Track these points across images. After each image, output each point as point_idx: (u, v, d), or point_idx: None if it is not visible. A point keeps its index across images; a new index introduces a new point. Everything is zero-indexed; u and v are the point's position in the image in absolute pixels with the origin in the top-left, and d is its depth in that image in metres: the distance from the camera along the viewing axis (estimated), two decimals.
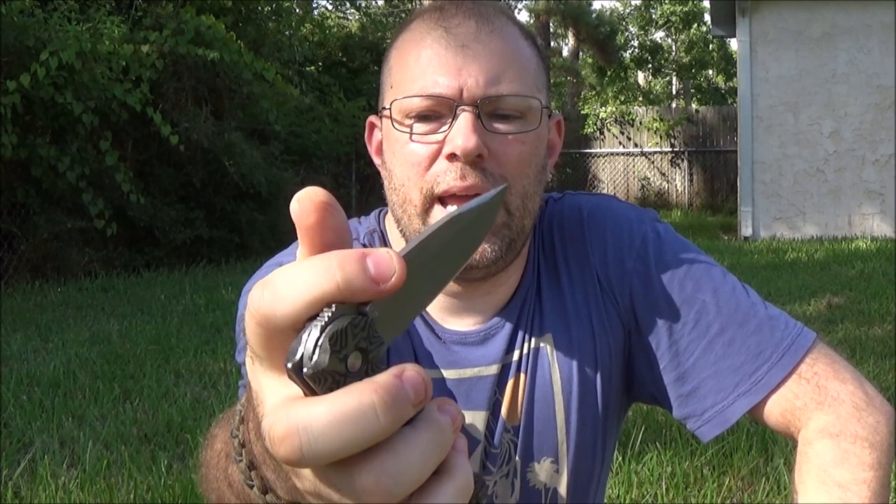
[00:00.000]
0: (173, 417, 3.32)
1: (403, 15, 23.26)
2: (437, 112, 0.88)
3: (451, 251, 0.42)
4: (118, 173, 7.13)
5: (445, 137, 0.87)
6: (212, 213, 8.61)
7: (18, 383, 3.83)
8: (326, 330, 0.36)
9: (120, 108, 7.14)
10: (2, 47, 6.41)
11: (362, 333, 0.37)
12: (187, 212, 8.36)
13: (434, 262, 0.41)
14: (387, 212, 1.03)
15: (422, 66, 0.89)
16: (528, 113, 0.90)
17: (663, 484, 2.66)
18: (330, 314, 0.37)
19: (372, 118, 1.00)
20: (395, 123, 0.90)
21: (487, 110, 0.88)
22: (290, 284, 0.37)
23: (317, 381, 0.37)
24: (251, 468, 0.47)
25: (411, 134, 0.89)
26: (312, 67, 12.64)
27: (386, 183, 0.96)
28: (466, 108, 0.87)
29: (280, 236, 9.04)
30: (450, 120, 0.88)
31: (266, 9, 10.51)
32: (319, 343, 0.36)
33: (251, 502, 0.49)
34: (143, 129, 7.72)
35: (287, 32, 11.38)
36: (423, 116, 0.89)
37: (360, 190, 12.02)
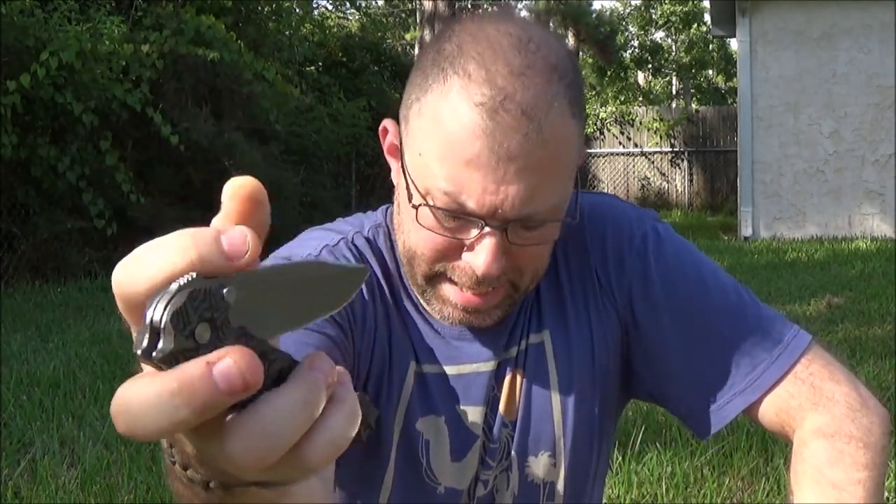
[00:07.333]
0: None
1: (403, 15, 23.26)
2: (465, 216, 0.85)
3: (309, 292, 0.43)
4: (118, 173, 7.13)
5: (469, 244, 0.85)
6: (212, 213, 8.28)
7: (18, 383, 3.83)
8: (166, 310, 0.36)
9: (120, 108, 7.13)
10: (2, 47, 6.41)
11: (204, 304, 0.37)
12: (187, 212, 8.35)
13: (293, 290, 0.42)
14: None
15: (457, 161, 0.80)
16: (560, 211, 0.87)
17: (663, 484, 2.66)
18: (171, 291, 0.37)
19: (387, 123, 0.94)
20: (418, 193, 0.85)
21: (517, 223, 0.84)
22: (148, 260, 0.38)
23: (168, 363, 0.37)
24: (171, 446, 0.49)
25: (434, 215, 0.84)
26: (312, 67, 12.64)
27: (395, 207, 0.94)
28: (496, 229, 0.82)
29: (280, 236, 8.96)
30: (476, 229, 0.83)
31: (266, 9, 10.51)
32: (163, 326, 0.37)
33: (187, 484, 0.50)
34: (143, 129, 7.72)
35: (287, 32, 11.38)
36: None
37: (360, 190, 12.01)
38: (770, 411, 0.94)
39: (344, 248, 0.95)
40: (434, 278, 0.89)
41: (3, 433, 3.17)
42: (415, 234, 0.87)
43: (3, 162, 6.55)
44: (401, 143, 0.89)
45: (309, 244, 0.96)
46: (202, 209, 8.62)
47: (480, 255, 0.83)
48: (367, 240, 0.98)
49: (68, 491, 2.66)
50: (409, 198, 0.86)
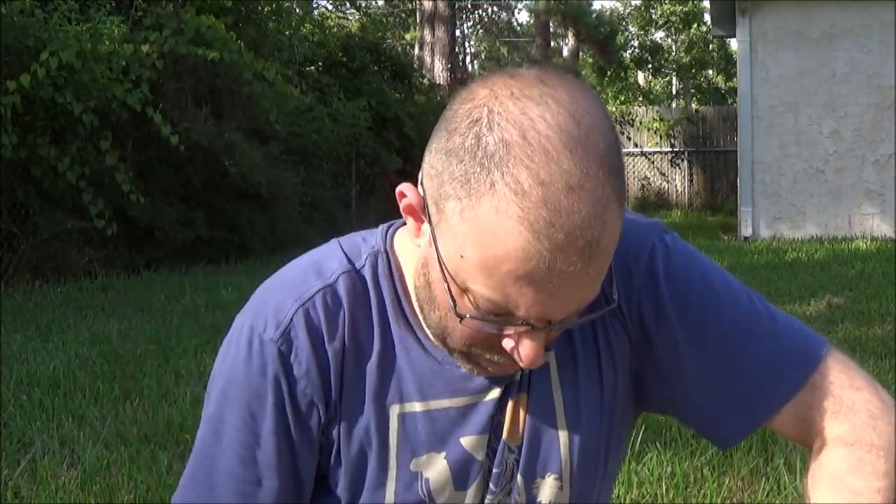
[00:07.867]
0: (173, 417, 3.32)
1: (403, 15, 23.23)
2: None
3: None
4: (118, 173, 7.13)
5: (508, 338, 0.83)
6: (212, 213, 8.61)
7: (18, 383, 3.83)
8: None
9: (120, 108, 7.13)
10: (2, 47, 6.41)
11: None
12: (187, 212, 8.35)
13: None
14: (397, 228, 0.97)
15: (508, 277, 0.77)
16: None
17: (663, 484, 2.66)
18: None
19: (404, 189, 0.85)
20: (455, 286, 0.81)
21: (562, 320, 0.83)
22: None
23: None
24: None
25: (477, 316, 0.82)
26: (312, 67, 12.64)
27: (424, 281, 0.87)
28: (540, 330, 0.81)
29: (280, 236, 9.02)
30: (521, 326, 0.81)
31: (266, 9, 10.51)
32: None
33: None
34: (143, 129, 7.72)
35: (287, 32, 11.38)
36: None
37: (360, 190, 12.00)
38: (789, 421, 0.93)
39: (319, 305, 0.91)
40: (469, 354, 0.88)
41: (3, 433, 3.16)
42: (452, 322, 0.85)
43: (3, 162, 6.55)
44: (429, 216, 0.82)
45: (285, 297, 0.92)
46: (202, 209, 8.62)
47: (524, 350, 0.82)
48: (355, 281, 0.93)
49: (68, 491, 2.66)
50: (454, 305, 0.82)
